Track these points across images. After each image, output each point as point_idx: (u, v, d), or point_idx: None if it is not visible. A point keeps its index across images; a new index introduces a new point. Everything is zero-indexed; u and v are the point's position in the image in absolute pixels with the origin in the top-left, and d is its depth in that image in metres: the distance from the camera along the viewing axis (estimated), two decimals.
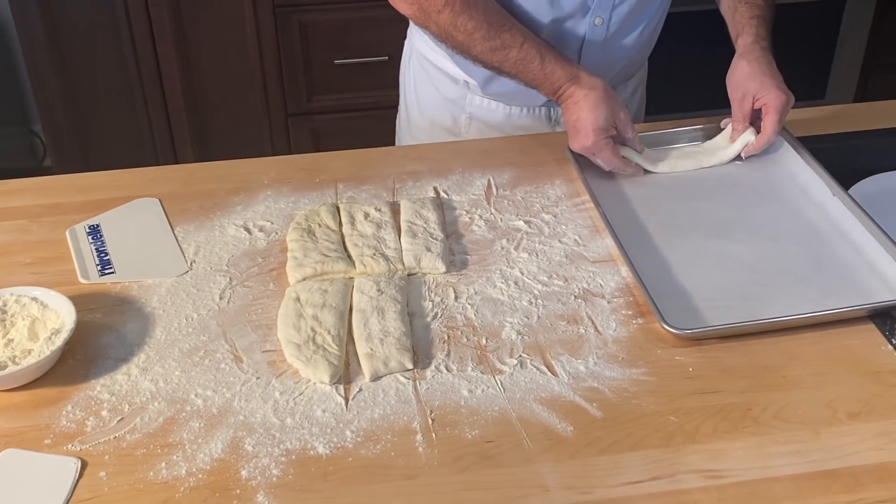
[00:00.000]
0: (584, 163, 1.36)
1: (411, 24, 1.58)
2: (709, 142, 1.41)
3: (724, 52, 1.42)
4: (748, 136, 1.36)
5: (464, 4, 1.32)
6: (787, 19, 2.64)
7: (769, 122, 1.33)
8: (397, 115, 1.72)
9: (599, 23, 1.40)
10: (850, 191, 1.28)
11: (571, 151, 1.36)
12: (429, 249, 1.19)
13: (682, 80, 2.57)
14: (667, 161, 1.37)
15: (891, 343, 1.06)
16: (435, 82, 1.56)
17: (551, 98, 1.36)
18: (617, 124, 1.33)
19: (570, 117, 1.33)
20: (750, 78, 1.34)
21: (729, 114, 1.39)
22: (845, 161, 1.33)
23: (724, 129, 1.41)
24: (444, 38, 1.36)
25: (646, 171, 1.36)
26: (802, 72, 2.76)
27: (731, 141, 1.38)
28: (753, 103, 1.35)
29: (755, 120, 1.38)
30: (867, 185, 1.32)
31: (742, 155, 1.37)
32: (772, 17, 1.43)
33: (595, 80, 1.32)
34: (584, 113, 1.30)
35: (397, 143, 1.73)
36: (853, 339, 1.07)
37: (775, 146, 1.38)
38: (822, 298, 1.12)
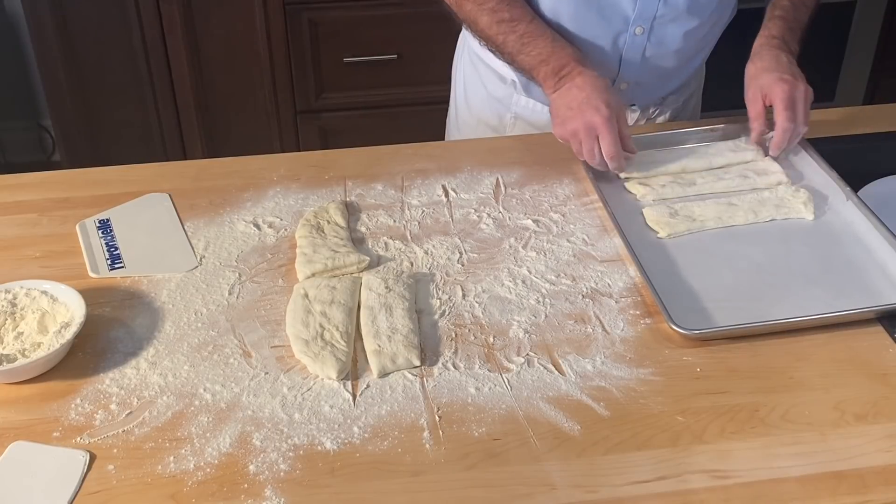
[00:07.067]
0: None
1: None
2: (721, 143, 1.39)
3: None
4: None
5: None
6: None
7: (778, 114, 1.29)
8: (448, 112, 1.71)
9: (640, 32, 1.37)
10: (859, 193, 1.28)
11: None
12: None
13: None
14: (672, 162, 1.35)
15: None
16: (484, 80, 1.55)
17: (546, 80, 1.30)
18: (618, 115, 1.28)
19: (577, 95, 1.26)
20: (754, 77, 1.33)
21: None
22: (855, 163, 1.33)
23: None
24: (456, 7, 1.35)
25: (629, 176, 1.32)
26: (812, 74, 2.73)
27: (751, 142, 1.36)
28: (764, 101, 1.33)
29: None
30: (877, 188, 1.32)
31: (770, 154, 1.34)
32: (801, 17, 1.39)
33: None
34: (596, 91, 1.25)
35: (446, 139, 1.72)
36: (861, 341, 1.07)
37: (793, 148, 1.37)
38: (831, 300, 1.12)
